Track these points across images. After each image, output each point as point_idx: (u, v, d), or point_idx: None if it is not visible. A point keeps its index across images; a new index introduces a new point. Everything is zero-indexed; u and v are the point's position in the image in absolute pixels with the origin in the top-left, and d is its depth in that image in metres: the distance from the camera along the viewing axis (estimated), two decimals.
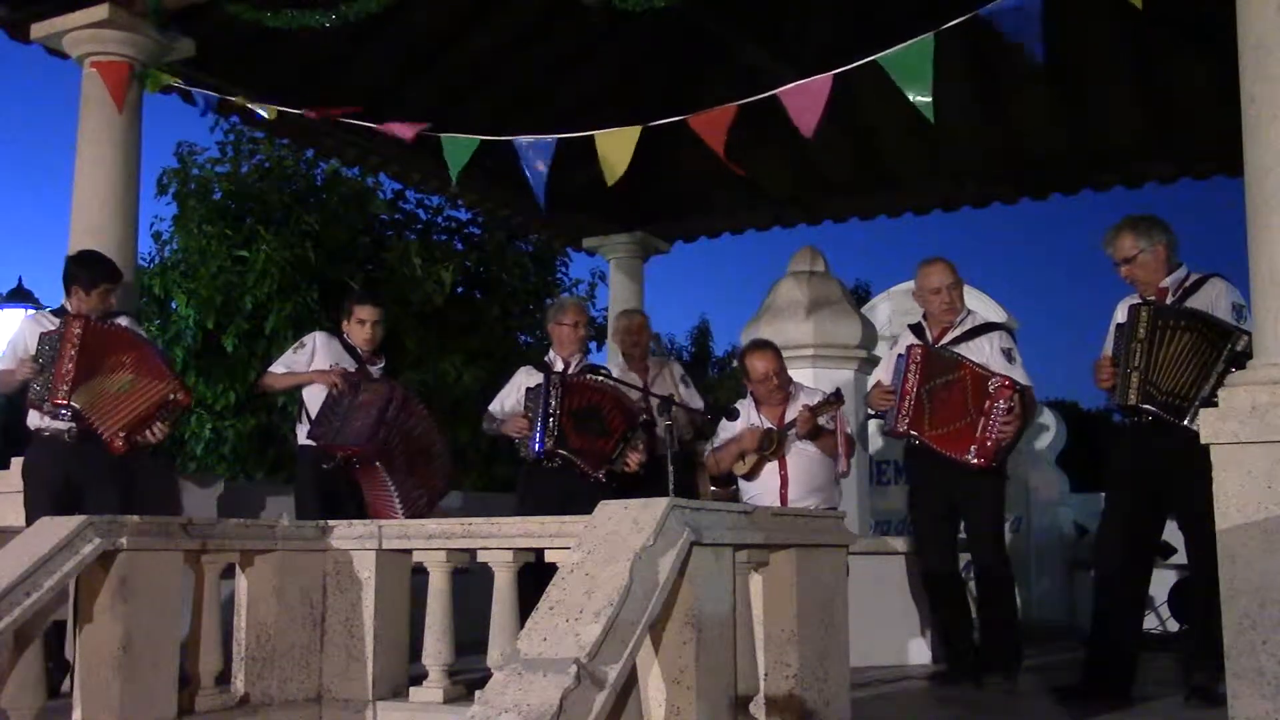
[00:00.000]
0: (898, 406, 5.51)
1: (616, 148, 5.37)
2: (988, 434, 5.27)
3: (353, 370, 5.87)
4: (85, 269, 5.52)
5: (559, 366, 6.15)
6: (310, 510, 5.55)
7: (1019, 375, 5.43)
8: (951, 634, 5.79)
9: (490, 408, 6.28)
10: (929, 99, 4.68)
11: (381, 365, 6.14)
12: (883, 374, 5.92)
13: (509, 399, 6.18)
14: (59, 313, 5.50)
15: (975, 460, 5.31)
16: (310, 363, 5.93)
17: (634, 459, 5.91)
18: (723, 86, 6.88)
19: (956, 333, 5.62)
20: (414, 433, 5.79)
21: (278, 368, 6.08)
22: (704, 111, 5.31)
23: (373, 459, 5.60)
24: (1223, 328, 4.68)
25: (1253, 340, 4.13)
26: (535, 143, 5.59)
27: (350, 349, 6.02)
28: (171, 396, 5.38)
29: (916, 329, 5.79)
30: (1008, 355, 5.50)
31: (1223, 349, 4.61)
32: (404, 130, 5.96)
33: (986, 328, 5.64)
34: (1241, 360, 4.47)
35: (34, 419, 5.42)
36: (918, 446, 5.54)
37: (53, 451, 5.36)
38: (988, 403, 5.28)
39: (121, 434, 5.25)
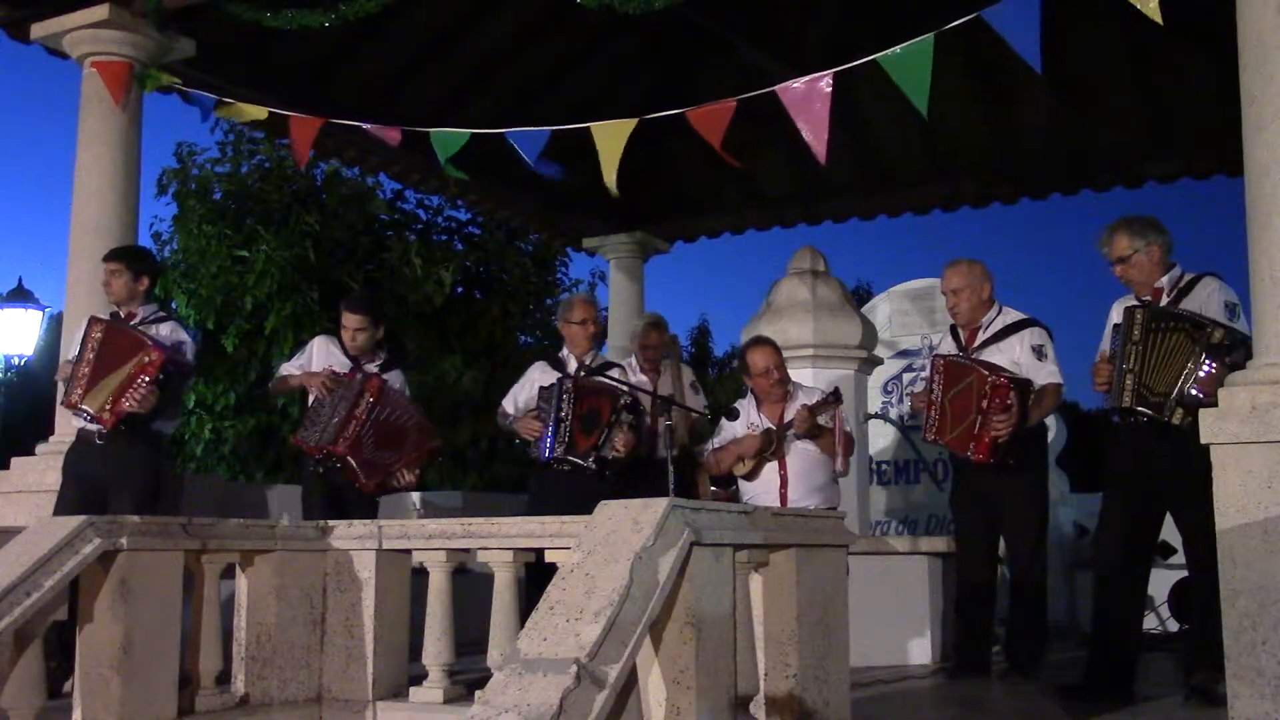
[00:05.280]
0: (927, 415, 5.65)
1: (610, 141, 5.35)
2: (985, 431, 5.33)
3: (345, 371, 5.84)
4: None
5: (572, 366, 6.10)
6: (314, 512, 5.57)
7: (1044, 373, 5.48)
8: (971, 633, 5.79)
9: (504, 403, 6.25)
10: (926, 99, 4.68)
11: (379, 362, 6.03)
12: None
13: (522, 395, 6.16)
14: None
15: (974, 457, 5.39)
16: (309, 365, 5.96)
17: (620, 441, 5.77)
18: (722, 87, 6.85)
19: (986, 335, 5.65)
20: (392, 418, 5.74)
21: (285, 369, 6.14)
22: (703, 106, 5.32)
23: (344, 454, 5.61)
24: (1197, 321, 4.68)
25: (1253, 339, 4.12)
26: (529, 134, 5.60)
27: (345, 350, 6.01)
28: (145, 360, 5.31)
29: (954, 331, 5.85)
30: (1038, 352, 5.54)
31: (1200, 342, 4.61)
32: (390, 134, 5.97)
33: (1018, 326, 5.63)
34: (1219, 353, 4.51)
35: (73, 418, 5.50)
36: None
37: (83, 451, 5.45)
38: (985, 402, 5.33)
39: (108, 408, 5.25)
